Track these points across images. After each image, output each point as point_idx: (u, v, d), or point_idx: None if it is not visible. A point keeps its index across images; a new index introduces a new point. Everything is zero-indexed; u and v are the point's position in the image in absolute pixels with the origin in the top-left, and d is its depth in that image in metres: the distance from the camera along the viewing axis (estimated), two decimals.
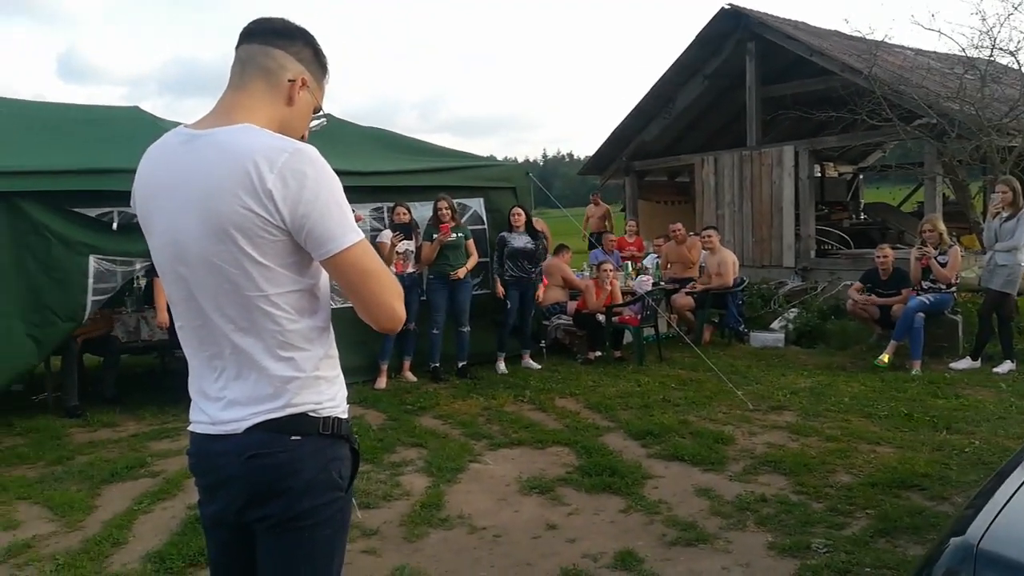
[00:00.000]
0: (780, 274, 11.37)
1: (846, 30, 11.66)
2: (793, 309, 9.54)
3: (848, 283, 9.16)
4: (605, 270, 8.12)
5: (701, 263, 9.49)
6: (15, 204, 5.51)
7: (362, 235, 1.53)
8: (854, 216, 15.18)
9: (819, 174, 14.67)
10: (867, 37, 10.35)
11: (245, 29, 1.63)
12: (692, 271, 9.55)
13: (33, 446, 5.34)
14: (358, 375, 6.80)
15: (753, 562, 3.41)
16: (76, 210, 5.76)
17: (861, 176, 16.73)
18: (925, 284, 7.35)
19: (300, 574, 1.58)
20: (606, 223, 13.92)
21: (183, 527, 3.88)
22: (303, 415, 1.54)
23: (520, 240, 7.50)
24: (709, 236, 9.05)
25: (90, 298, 5.77)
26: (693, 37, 12.00)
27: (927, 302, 7.19)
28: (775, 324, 9.22)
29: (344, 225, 1.49)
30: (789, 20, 12.05)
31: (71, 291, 5.71)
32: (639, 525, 3.86)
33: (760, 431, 5.38)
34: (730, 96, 12.96)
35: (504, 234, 7.53)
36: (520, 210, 7.60)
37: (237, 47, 1.63)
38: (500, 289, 7.41)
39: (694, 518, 3.89)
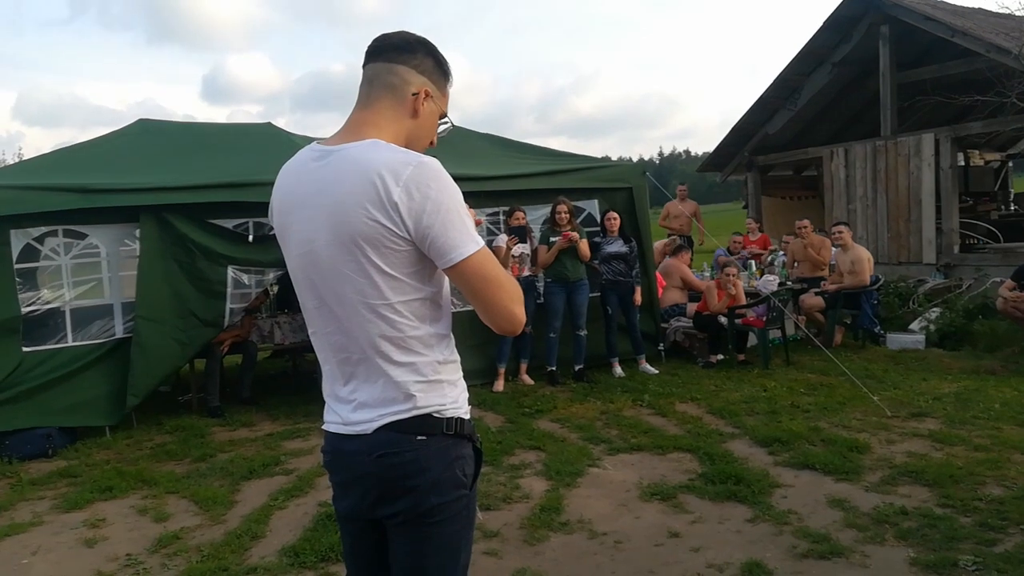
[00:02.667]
0: (919, 271, 10.67)
1: (992, 7, 10.83)
2: (934, 309, 8.92)
3: (998, 280, 8.50)
4: (728, 274, 7.82)
5: (832, 261, 9.03)
6: (164, 218, 5.96)
7: (482, 243, 1.57)
8: (1003, 207, 14.08)
9: (962, 163, 13.68)
10: (1017, 13, 9.56)
11: (369, 48, 1.70)
12: (822, 271, 9.09)
13: (180, 443, 5.73)
14: (476, 378, 6.90)
15: None
16: (215, 222, 6.17)
17: (1011, 164, 15.48)
18: None
19: (428, 568, 1.64)
20: (694, 224, 11.48)
21: (315, 523, 4.04)
22: (428, 416, 1.60)
23: (613, 245, 7.41)
24: (840, 232, 8.57)
25: (228, 305, 6.16)
26: (820, 24, 11.49)
27: None
28: (914, 325, 8.66)
29: (465, 234, 1.54)
30: (926, 0, 11.30)
31: (213, 299, 6.13)
32: (767, 535, 3.70)
33: (899, 439, 5.05)
34: (861, 84, 12.32)
35: (597, 239, 7.45)
36: (615, 215, 7.48)
37: (364, 66, 1.70)
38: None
39: (827, 530, 3.69)
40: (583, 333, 7.23)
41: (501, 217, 7.41)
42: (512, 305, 1.60)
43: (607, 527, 3.88)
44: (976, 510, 3.82)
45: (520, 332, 1.67)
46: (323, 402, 1.75)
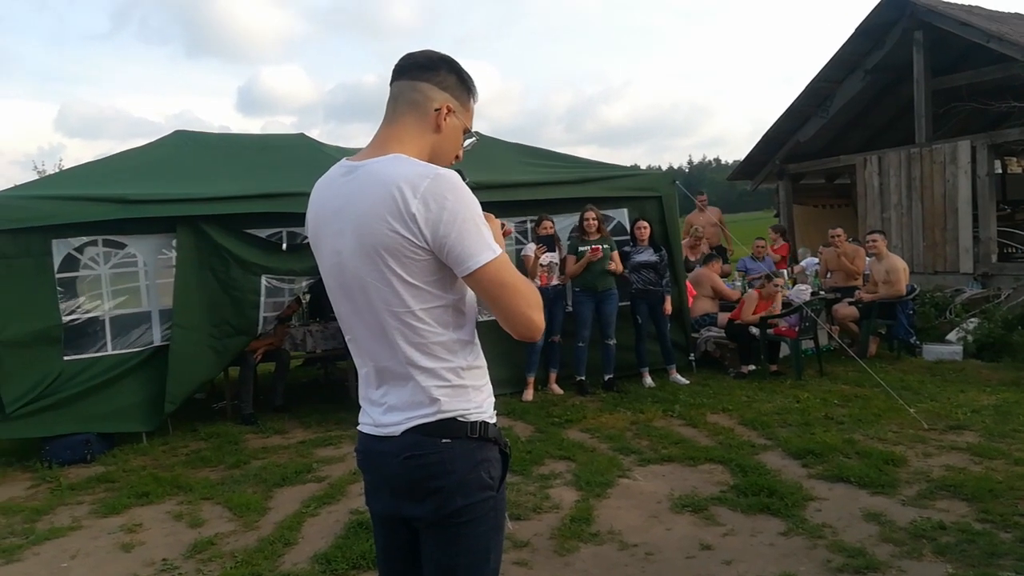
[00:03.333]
0: (956, 281, 10.48)
1: None
2: (972, 319, 8.74)
3: None
4: (776, 284, 7.72)
5: (866, 271, 8.90)
6: (199, 228, 6.07)
7: (499, 251, 1.61)
8: None
9: (999, 170, 13.41)
10: None
11: (395, 67, 1.77)
12: (856, 280, 8.96)
13: (214, 450, 5.82)
14: (505, 387, 6.91)
15: None
16: (249, 231, 6.26)
17: None
18: None
19: (458, 568, 1.68)
20: (721, 233, 11.07)
21: (347, 531, 4.08)
22: (452, 420, 1.65)
23: (643, 255, 7.38)
24: (875, 241, 8.45)
25: (262, 314, 6.25)
26: (852, 30, 11.38)
27: None
28: (951, 335, 8.49)
29: (481, 243, 1.58)
30: (961, 5, 11.14)
31: (246, 307, 6.21)
32: (801, 549, 3.65)
33: (936, 452, 4.96)
34: (894, 91, 12.15)
35: (627, 249, 7.42)
36: (645, 224, 7.45)
37: (391, 84, 1.78)
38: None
39: (862, 544, 3.63)
40: (612, 343, 7.20)
41: (529, 226, 7.42)
42: (530, 311, 1.63)
43: (638, 538, 3.86)
44: (1016, 525, 3.73)
45: (539, 338, 1.71)
46: (354, 410, 1.81)
